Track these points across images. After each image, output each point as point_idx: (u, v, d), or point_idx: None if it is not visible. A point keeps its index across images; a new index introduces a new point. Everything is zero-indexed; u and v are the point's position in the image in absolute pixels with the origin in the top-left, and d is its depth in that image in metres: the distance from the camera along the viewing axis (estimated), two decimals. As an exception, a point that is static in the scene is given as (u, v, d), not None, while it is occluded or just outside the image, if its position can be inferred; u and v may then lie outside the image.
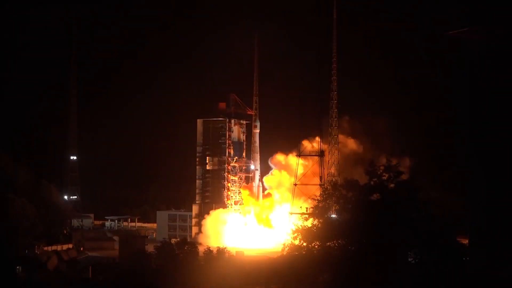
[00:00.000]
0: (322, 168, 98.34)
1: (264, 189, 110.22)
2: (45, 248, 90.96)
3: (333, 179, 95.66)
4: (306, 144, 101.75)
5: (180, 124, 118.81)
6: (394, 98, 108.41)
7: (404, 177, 58.77)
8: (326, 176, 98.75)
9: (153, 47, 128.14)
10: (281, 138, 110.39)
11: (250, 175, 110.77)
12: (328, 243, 58.79)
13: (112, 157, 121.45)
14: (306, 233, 60.09)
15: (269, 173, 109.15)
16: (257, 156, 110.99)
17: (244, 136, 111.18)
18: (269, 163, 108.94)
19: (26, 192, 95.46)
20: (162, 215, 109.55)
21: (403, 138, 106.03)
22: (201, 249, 77.53)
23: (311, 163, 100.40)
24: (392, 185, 57.79)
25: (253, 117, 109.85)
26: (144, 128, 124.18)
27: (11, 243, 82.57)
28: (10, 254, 79.45)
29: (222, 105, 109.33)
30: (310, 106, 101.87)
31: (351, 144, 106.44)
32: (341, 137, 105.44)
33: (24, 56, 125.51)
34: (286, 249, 60.41)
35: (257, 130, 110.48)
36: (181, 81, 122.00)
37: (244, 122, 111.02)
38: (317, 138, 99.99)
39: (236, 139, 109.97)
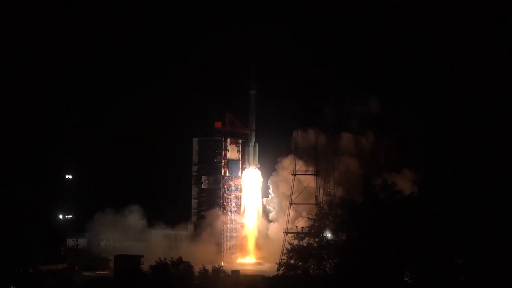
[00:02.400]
0: (318, 187, 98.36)
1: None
2: (40, 268, 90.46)
3: (329, 198, 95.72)
4: (301, 165, 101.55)
5: (175, 143, 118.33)
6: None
7: (407, 189, 58.92)
8: (322, 195, 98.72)
9: (146, 63, 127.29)
10: (278, 153, 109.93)
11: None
12: (324, 263, 58.83)
13: (108, 175, 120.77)
14: (302, 253, 60.15)
15: (269, 196, 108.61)
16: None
17: (240, 155, 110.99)
18: (268, 183, 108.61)
19: (21, 210, 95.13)
20: (157, 235, 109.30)
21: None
22: (196, 268, 77.25)
23: (308, 182, 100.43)
24: (388, 204, 57.87)
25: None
26: (139, 145, 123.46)
27: (5, 262, 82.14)
28: (4, 274, 79.00)
29: (218, 124, 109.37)
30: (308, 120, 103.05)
31: (350, 161, 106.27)
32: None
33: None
34: (282, 268, 60.42)
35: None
36: (177, 99, 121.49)
37: (240, 141, 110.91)
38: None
39: (232, 158, 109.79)
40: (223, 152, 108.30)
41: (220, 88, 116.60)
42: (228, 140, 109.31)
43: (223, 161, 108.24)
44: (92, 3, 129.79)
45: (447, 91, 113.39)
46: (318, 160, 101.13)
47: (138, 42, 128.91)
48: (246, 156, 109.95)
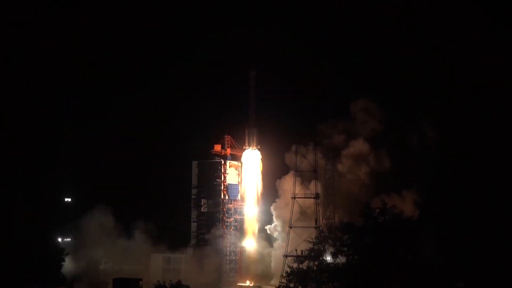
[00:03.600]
0: (318, 211, 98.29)
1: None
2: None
3: (329, 222, 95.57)
4: (301, 188, 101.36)
5: (174, 166, 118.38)
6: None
7: (409, 210, 58.85)
8: (321, 219, 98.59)
9: (146, 82, 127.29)
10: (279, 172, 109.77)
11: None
12: (323, 286, 58.63)
13: (105, 198, 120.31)
14: (301, 276, 59.96)
15: (272, 224, 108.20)
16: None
17: (240, 178, 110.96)
18: (271, 209, 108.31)
19: (18, 232, 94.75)
20: (157, 258, 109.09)
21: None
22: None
23: (308, 204, 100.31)
24: (387, 227, 57.73)
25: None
26: (138, 168, 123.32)
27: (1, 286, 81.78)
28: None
29: (217, 147, 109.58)
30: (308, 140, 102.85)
31: (350, 183, 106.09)
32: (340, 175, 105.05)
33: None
34: (281, 292, 60.19)
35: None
36: (176, 122, 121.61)
37: (240, 163, 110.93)
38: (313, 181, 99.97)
39: (231, 181, 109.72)
40: (222, 175, 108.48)
41: (219, 88, 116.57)
42: (228, 163, 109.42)
43: (222, 184, 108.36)
44: (92, 3, 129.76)
45: (447, 90, 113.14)
46: (318, 183, 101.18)
47: (138, 42, 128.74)
48: (246, 137, 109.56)
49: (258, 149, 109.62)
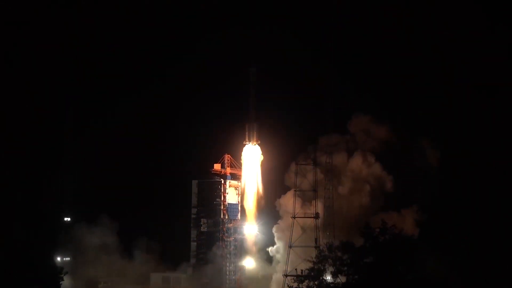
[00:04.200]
0: (317, 230, 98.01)
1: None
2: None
3: (329, 241, 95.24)
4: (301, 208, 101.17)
5: (174, 185, 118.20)
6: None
7: (409, 229, 58.79)
8: (321, 238, 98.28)
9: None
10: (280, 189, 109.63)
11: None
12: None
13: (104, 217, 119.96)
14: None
15: (274, 246, 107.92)
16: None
17: (239, 198, 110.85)
18: (273, 231, 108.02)
19: (16, 252, 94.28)
20: (156, 277, 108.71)
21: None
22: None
23: (307, 224, 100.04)
24: (387, 247, 57.67)
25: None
26: (138, 188, 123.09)
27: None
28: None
29: (217, 166, 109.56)
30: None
31: (350, 201, 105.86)
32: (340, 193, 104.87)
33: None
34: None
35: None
36: (176, 142, 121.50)
37: (239, 183, 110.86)
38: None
39: (231, 201, 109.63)
40: (222, 195, 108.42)
41: (219, 89, 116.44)
42: (228, 182, 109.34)
43: (222, 204, 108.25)
44: (92, 3, 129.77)
45: (447, 91, 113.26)
46: (318, 202, 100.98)
47: (138, 42, 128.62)
48: (246, 133, 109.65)
49: (259, 145, 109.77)
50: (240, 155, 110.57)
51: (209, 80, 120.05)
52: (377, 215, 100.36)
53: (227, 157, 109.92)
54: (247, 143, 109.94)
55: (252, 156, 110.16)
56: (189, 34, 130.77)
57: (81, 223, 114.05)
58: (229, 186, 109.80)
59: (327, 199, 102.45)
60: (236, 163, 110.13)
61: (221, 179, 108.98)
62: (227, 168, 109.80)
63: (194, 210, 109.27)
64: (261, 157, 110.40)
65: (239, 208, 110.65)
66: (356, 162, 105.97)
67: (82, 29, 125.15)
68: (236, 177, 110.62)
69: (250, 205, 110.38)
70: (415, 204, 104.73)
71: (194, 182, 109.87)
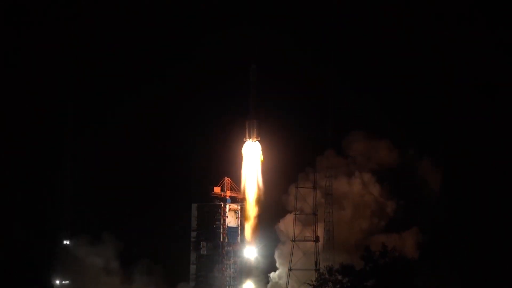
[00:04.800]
0: (317, 254, 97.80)
1: None
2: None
3: (329, 264, 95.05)
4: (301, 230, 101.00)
5: (174, 208, 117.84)
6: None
7: (410, 251, 58.79)
8: (321, 261, 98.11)
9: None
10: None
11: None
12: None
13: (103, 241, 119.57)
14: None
15: (277, 271, 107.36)
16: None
17: (239, 221, 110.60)
18: (275, 256, 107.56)
19: (14, 275, 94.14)
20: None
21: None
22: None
23: (308, 247, 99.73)
24: (388, 270, 57.67)
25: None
26: (138, 211, 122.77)
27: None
28: None
29: (217, 189, 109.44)
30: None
31: (351, 223, 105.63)
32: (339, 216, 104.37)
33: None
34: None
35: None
36: (175, 164, 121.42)
37: (239, 206, 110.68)
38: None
39: (231, 224, 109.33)
40: (222, 218, 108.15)
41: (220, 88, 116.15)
42: (228, 206, 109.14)
43: (222, 227, 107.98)
44: (92, 3, 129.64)
45: (447, 92, 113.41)
46: (318, 225, 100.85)
47: (136, 43, 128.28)
48: (246, 129, 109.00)
49: (259, 141, 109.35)
50: (240, 153, 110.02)
51: (209, 80, 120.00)
52: (378, 237, 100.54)
53: (227, 180, 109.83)
54: (247, 140, 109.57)
55: (252, 152, 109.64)
56: (189, 34, 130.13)
57: (81, 243, 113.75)
58: (229, 209, 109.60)
59: (327, 223, 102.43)
60: (236, 187, 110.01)
61: (221, 202, 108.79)
62: (227, 191, 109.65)
63: (193, 234, 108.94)
64: (261, 157, 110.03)
65: (239, 231, 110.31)
66: (356, 185, 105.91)
67: (83, 29, 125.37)
68: (236, 200, 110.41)
69: (251, 204, 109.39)
70: (416, 226, 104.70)
71: (194, 205, 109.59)
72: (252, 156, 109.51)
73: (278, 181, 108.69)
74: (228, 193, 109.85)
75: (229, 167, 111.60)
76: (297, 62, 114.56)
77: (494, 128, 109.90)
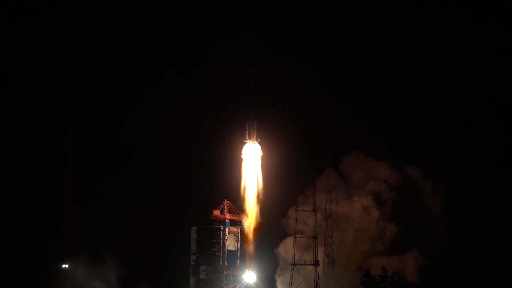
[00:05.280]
0: (317, 277, 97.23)
1: None
2: None
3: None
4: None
5: (173, 231, 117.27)
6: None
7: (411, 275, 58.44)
8: (321, 286, 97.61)
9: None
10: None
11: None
12: None
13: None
14: None
15: None
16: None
17: (239, 244, 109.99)
18: (276, 284, 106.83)
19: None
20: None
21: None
22: None
23: (308, 270, 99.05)
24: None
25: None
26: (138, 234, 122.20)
27: None
28: None
29: (216, 212, 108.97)
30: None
31: (351, 250, 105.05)
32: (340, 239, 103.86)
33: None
34: None
35: None
36: (174, 189, 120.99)
37: (239, 229, 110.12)
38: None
39: (230, 247, 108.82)
40: (221, 241, 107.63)
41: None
42: (227, 229, 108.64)
43: (222, 250, 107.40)
44: (94, 16, 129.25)
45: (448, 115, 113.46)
46: (318, 248, 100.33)
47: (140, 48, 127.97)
48: (246, 131, 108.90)
49: (259, 143, 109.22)
50: (240, 154, 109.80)
51: (211, 83, 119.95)
52: (378, 259, 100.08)
53: (226, 203, 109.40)
54: (247, 141, 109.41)
55: (252, 154, 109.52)
56: (189, 33, 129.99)
57: (81, 265, 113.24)
58: (229, 232, 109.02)
59: (328, 246, 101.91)
60: (235, 210, 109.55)
61: (221, 226, 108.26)
62: (227, 214, 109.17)
63: (193, 257, 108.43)
64: (261, 156, 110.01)
65: (239, 254, 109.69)
66: (356, 208, 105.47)
67: (89, 33, 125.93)
68: (235, 223, 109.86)
69: (251, 205, 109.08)
70: (417, 248, 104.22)
71: (193, 229, 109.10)
72: (252, 157, 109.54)
73: (277, 201, 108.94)
74: (228, 216, 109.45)
75: (228, 190, 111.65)
76: (298, 66, 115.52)
77: (495, 151, 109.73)
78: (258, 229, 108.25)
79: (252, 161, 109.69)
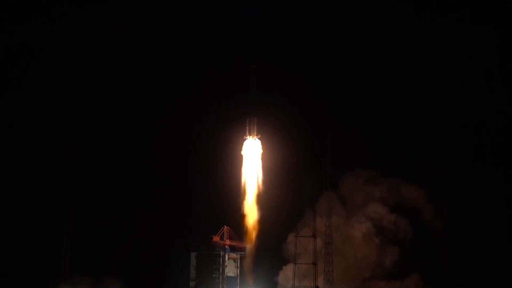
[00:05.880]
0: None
1: None
2: None
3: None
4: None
5: (172, 257, 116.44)
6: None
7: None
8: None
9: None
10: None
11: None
12: None
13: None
14: None
15: None
16: None
17: (238, 270, 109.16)
18: None
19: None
20: None
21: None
22: None
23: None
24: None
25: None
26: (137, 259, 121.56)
27: None
28: None
29: (216, 238, 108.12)
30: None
31: (351, 275, 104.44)
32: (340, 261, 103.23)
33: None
34: None
35: None
36: (173, 212, 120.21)
37: (238, 255, 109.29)
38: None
39: (230, 274, 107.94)
40: (221, 267, 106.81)
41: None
42: (227, 255, 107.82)
43: (221, 276, 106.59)
44: (94, 17, 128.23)
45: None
46: (318, 274, 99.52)
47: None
48: (246, 127, 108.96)
49: (259, 138, 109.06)
50: (240, 150, 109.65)
51: (211, 83, 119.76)
52: (379, 284, 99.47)
53: (226, 228, 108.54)
54: (248, 137, 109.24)
55: (252, 149, 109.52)
56: (189, 33, 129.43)
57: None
58: (228, 258, 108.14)
59: (328, 272, 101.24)
60: (235, 235, 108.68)
61: (220, 251, 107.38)
62: (226, 240, 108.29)
63: (192, 283, 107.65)
64: (261, 152, 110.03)
65: (238, 281, 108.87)
66: (357, 235, 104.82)
67: (89, 33, 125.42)
68: (235, 249, 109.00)
69: (250, 202, 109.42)
70: (418, 273, 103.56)
71: (193, 255, 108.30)
72: (252, 153, 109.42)
73: (277, 224, 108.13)
74: (228, 242, 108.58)
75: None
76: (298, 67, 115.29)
77: (495, 174, 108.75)
78: (257, 254, 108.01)
79: (252, 160, 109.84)
